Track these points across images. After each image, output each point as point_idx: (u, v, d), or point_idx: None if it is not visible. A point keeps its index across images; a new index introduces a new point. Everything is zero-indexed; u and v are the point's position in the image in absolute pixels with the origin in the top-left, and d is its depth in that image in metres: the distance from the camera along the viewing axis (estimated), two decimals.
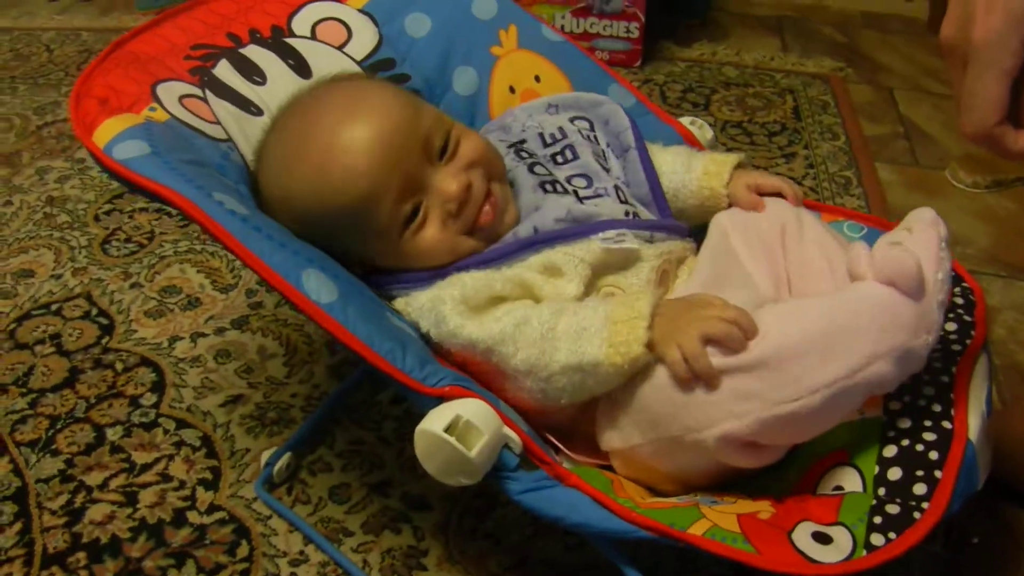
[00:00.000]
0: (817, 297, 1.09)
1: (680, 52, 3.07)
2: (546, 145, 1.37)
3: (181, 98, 1.26)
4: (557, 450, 1.18)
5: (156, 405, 1.68)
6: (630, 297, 1.09)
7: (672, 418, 1.05)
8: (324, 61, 1.42)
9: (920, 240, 1.04)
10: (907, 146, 2.58)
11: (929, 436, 1.05)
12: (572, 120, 1.40)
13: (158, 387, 1.72)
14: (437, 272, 1.20)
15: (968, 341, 1.17)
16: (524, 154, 1.35)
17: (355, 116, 1.18)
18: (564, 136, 1.37)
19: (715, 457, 1.06)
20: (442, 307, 1.15)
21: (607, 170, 1.35)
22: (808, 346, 0.99)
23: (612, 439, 1.14)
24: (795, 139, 2.56)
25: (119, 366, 1.76)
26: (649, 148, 1.38)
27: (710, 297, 1.06)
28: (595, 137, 1.39)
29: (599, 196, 1.29)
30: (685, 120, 1.52)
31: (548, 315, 1.11)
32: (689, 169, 1.37)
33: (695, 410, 1.03)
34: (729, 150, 2.36)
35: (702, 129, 1.52)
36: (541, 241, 1.21)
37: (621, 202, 1.29)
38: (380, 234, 1.19)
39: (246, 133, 1.30)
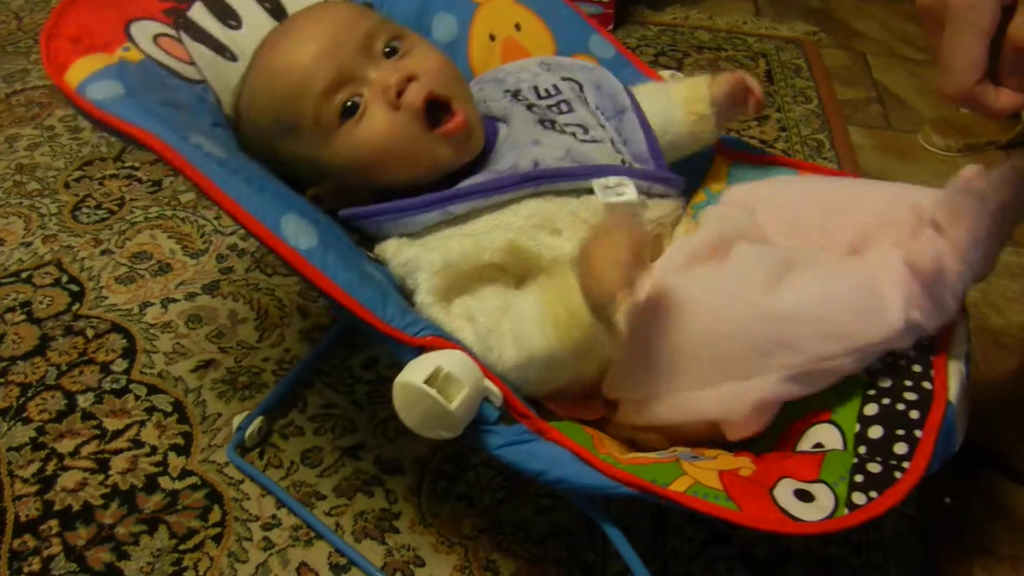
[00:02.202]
0: (857, 263, 1.13)
1: (653, 16, 3.06)
2: (541, 98, 1.36)
3: (156, 37, 1.23)
4: (538, 405, 1.16)
5: (127, 371, 1.67)
6: (556, 276, 1.09)
7: (720, 365, 1.07)
8: (300, 4, 1.39)
9: (958, 235, 1.07)
10: (880, 110, 2.58)
11: (910, 396, 1.05)
12: (563, 79, 1.40)
13: (129, 353, 1.71)
14: (428, 201, 1.19)
15: None
16: (520, 98, 1.35)
17: (299, 21, 1.25)
18: (559, 92, 1.37)
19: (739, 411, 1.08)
20: (418, 274, 1.15)
21: (601, 127, 1.34)
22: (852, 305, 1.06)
23: (633, 385, 1.13)
24: (768, 102, 2.56)
25: (90, 333, 1.75)
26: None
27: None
28: (585, 100, 1.38)
29: (596, 142, 1.29)
30: (665, 73, 1.52)
31: (493, 310, 1.12)
32: (670, 102, 1.40)
33: (741, 362, 1.06)
34: None
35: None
36: (542, 176, 1.20)
37: (616, 152, 1.30)
38: (322, 129, 1.20)
39: (222, 76, 1.29)
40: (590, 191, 1.22)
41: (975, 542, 1.42)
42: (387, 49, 1.23)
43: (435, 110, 1.21)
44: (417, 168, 1.22)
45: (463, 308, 1.14)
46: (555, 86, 1.37)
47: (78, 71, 1.09)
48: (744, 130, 2.41)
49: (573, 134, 1.29)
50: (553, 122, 1.30)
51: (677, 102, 1.40)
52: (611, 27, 2.92)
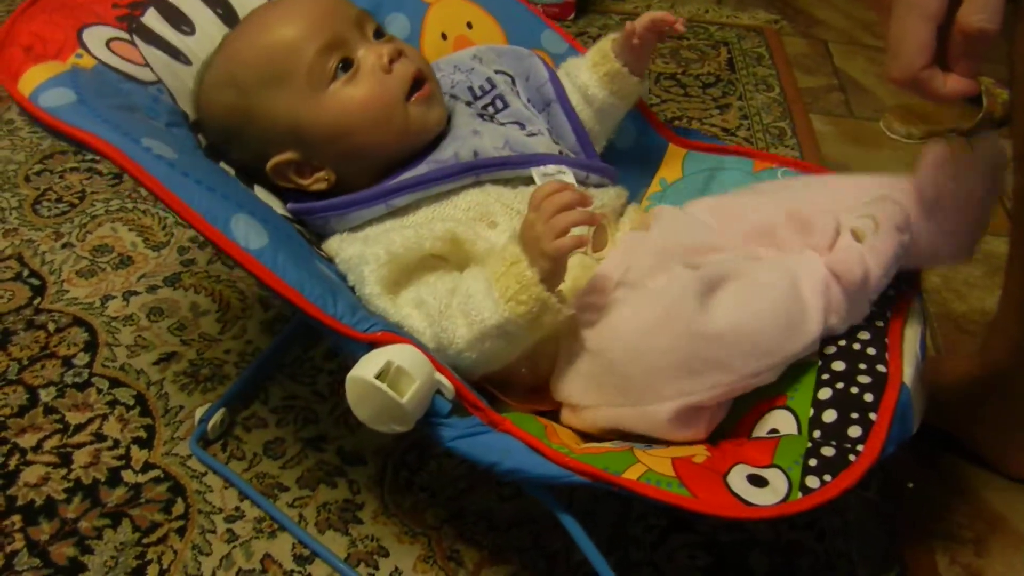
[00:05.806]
0: (778, 267, 1.14)
1: (614, 5, 3.06)
2: (476, 98, 1.39)
3: (108, 41, 1.24)
4: (491, 397, 1.17)
5: (89, 365, 1.66)
6: (499, 251, 1.10)
7: (638, 384, 1.08)
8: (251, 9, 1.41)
9: (880, 245, 1.10)
10: (842, 98, 2.59)
11: (864, 379, 1.06)
12: (496, 73, 1.42)
13: (91, 347, 1.70)
14: (372, 195, 1.23)
15: (903, 287, 1.18)
16: (457, 98, 1.38)
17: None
18: (493, 87, 1.39)
19: (663, 430, 1.09)
20: (364, 268, 1.16)
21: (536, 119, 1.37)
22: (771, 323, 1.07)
23: (570, 393, 1.15)
24: (729, 90, 2.57)
25: (51, 327, 1.74)
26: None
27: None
28: (518, 92, 1.41)
29: (534, 135, 1.32)
30: None
31: (443, 292, 1.13)
32: (581, 72, 1.42)
33: (669, 382, 1.06)
34: (663, 102, 2.38)
35: None
36: (482, 166, 1.24)
37: (554, 143, 1.33)
38: (313, 84, 1.23)
39: (177, 77, 1.30)
40: (527, 181, 1.25)
41: (937, 526, 1.43)
42: (375, 34, 1.28)
43: (414, 89, 1.26)
44: (387, 133, 1.25)
45: (410, 297, 1.15)
46: (489, 80, 1.40)
47: (31, 79, 1.11)
48: (706, 119, 2.42)
49: (511, 128, 1.33)
50: (492, 117, 1.34)
51: (586, 68, 1.42)
52: (573, 16, 2.92)
